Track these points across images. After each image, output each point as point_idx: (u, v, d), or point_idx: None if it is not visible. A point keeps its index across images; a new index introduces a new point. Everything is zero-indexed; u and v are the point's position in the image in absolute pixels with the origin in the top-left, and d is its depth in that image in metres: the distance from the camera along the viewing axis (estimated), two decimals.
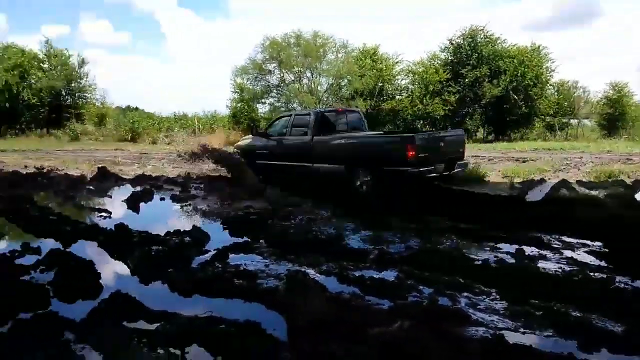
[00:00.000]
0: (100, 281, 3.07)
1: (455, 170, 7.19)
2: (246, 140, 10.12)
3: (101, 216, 5.42)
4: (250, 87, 25.17)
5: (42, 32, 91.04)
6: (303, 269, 3.21)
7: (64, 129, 24.20)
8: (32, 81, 24.77)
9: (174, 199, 6.67)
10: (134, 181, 8.47)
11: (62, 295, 2.83)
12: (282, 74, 24.61)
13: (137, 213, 5.85)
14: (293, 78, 24.71)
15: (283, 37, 24.32)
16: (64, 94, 25.78)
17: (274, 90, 25.21)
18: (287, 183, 7.71)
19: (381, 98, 25.15)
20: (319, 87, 24.58)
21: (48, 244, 4.10)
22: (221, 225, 4.95)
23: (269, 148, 8.73)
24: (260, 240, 4.14)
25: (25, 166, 10.83)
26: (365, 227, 4.70)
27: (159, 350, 2.03)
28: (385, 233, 4.46)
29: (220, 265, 3.34)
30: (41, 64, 25.76)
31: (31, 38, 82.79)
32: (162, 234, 4.24)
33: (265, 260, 3.55)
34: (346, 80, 23.81)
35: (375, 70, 24.42)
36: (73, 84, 25.72)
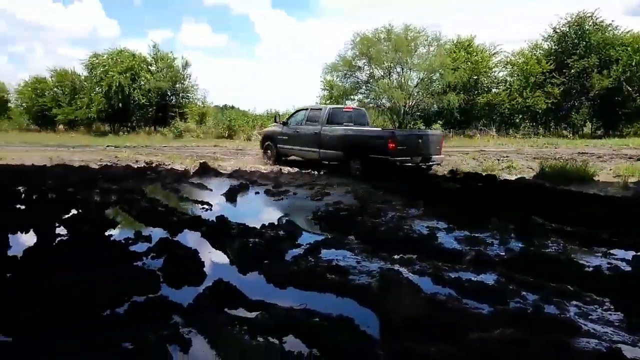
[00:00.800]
0: (204, 269, 3.28)
1: (431, 163, 9.13)
2: (270, 127, 12.50)
3: (203, 208, 5.78)
4: (340, 84, 25.36)
5: (149, 36, 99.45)
6: (396, 267, 3.16)
7: (169, 127, 26.26)
8: (142, 83, 27.15)
9: (268, 193, 6.92)
10: (231, 176, 8.95)
11: (171, 281, 3.06)
12: (371, 70, 24.49)
13: (235, 206, 6.16)
14: (382, 73, 24.48)
15: (373, 32, 24.17)
16: (169, 94, 27.96)
17: (363, 87, 25.17)
18: (299, 164, 10.76)
19: (476, 92, 24.02)
20: (409, 82, 24.08)
21: (157, 233, 4.47)
22: (312, 220, 5.04)
23: (288, 135, 11.05)
24: (351, 237, 4.15)
25: (136, 161, 11.92)
26: (459, 227, 4.52)
27: (259, 338, 2.11)
28: (482, 234, 4.25)
29: (312, 260, 3.40)
30: (149, 67, 28.15)
31: (140, 42, 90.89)
32: (258, 227, 4.41)
33: (357, 257, 3.55)
34: (438, 74, 23.05)
35: (469, 63, 23.39)
36: (177, 85, 27.80)
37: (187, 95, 28.73)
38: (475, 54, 23.93)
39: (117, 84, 25.55)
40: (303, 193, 6.97)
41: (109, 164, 11.01)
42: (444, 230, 4.47)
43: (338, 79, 25.31)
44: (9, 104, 32.39)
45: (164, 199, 6.36)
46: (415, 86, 24.12)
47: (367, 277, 3.04)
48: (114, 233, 4.44)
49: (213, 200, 6.20)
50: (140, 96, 26.56)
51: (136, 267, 3.30)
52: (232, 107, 38.69)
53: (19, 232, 4.59)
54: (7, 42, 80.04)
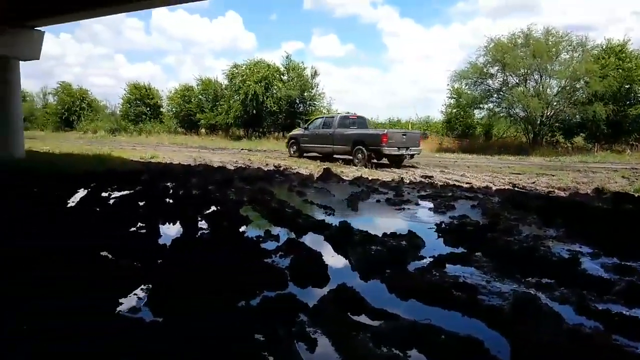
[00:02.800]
0: (327, 272, 3.36)
1: (411, 152, 13.61)
2: (294, 132, 18.15)
3: (326, 212, 5.95)
4: (469, 92, 24.20)
5: (282, 48, 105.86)
6: (532, 291, 2.91)
7: None
8: (274, 91, 28.97)
9: (389, 202, 6.88)
10: (353, 182, 9.09)
11: (297, 280, 3.19)
12: (505, 77, 22.96)
13: (356, 212, 6.23)
14: (517, 81, 22.82)
15: (509, 37, 22.66)
16: (298, 102, 29.39)
17: (495, 95, 23.69)
18: (319, 157, 15.46)
19: (627, 102, 21.18)
20: (547, 90, 22.09)
21: (285, 233, 4.72)
22: (435, 233, 4.87)
23: (308, 136, 15.81)
24: (478, 253, 3.92)
25: (266, 164, 12.74)
26: (607, 253, 4.00)
27: (382, 348, 2.10)
28: (635, 262, 3.71)
29: (437, 274, 3.29)
30: (282, 76, 29.92)
31: (274, 54, 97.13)
32: (380, 235, 4.40)
33: (486, 276, 3.34)
34: (583, 82, 20.76)
35: (621, 70, 20.67)
36: (306, 93, 29.12)
37: (314, 103, 29.92)
38: (628, 60, 21.09)
39: (253, 92, 27.64)
40: (426, 204, 6.79)
41: (243, 165, 11.94)
42: (588, 255, 3.99)
43: (467, 87, 24.21)
44: (162, 109, 36.94)
45: (290, 201, 6.69)
46: (555, 95, 22.04)
47: (499, 299, 2.83)
48: (247, 230, 4.78)
49: (336, 205, 6.34)
50: (272, 103, 28.36)
51: (266, 263, 3.50)
52: None
53: (167, 223, 5.20)
54: (162, 55, 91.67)
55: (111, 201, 6.26)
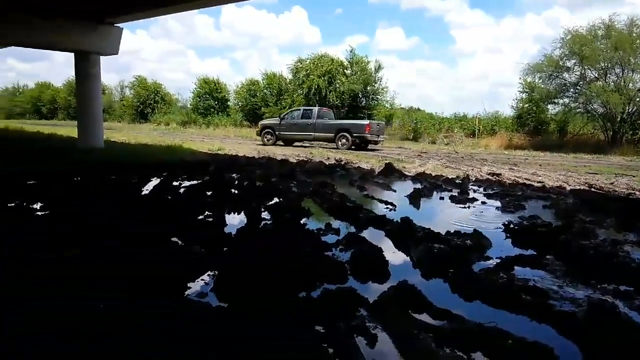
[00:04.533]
0: (388, 268, 3.32)
1: (380, 139, 18.01)
2: (266, 121, 20.38)
3: (387, 208, 5.89)
4: (542, 86, 22.86)
5: (346, 42, 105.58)
6: (608, 299, 2.71)
7: None
8: (337, 85, 29.02)
9: (453, 199, 6.67)
10: (415, 178, 8.91)
11: (357, 274, 3.18)
12: (582, 71, 21.47)
13: (418, 209, 6.11)
14: (596, 75, 21.26)
15: (589, 28, 21.13)
16: (360, 96, 29.25)
17: (571, 90, 22.23)
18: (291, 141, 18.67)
19: None
20: (629, 84, 20.43)
21: (345, 226, 4.72)
22: (503, 233, 4.67)
23: (286, 125, 18.28)
24: (550, 257, 3.70)
25: (327, 158, 12.80)
26: None
27: (445, 349, 2.04)
28: None
29: (505, 276, 3.14)
30: (345, 70, 29.89)
31: (337, 48, 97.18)
32: (443, 233, 4.28)
33: (558, 280, 3.15)
34: None
35: None
36: (369, 87, 28.90)
37: (377, 97, 29.65)
38: None
39: (316, 87, 27.88)
40: (492, 203, 6.52)
41: (305, 159, 12.08)
42: None
43: (540, 81, 22.88)
44: (229, 103, 38.21)
45: (351, 195, 6.68)
46: (639, 90, 20.33)
47: (571, 305, 2.66)
48: (308, 222, 4.83)
49: (397, 201, 6.25)
50: (335, 98, 28.44)
51: (327, 256, 3.52)
52: (418, 109, 38.55)
53: (233, 213, 5.37)
54: (230, 50, 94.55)
55: (181, 190, 6.57)
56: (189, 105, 41.22)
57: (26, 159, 9.18)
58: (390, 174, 9.36)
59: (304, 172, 9.12)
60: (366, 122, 17.79)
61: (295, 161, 11.41)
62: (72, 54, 12.29)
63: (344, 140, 17.10)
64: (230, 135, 27.25)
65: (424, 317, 2.51)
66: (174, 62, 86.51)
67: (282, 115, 19.31)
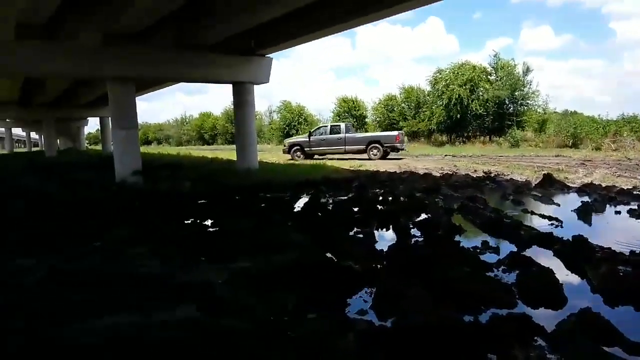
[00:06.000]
0: (563, 292, 2.95)
1: (404, 147, 19.77)
2: (293, 139, 21.69)
3: (551, 224, 5.30)
4: None
5: (487, 47, 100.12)
6: None
7: (504, 136, 25.65)
8: (480, 93, 27.52)
9: (633, 213, 5.75)
10: (581, 190, 7.90)
11: (527, 298, 2.89)
12: None
13: (590, 225, 5.38)
14: None
15: None
16: (507, 102, 27.28)
17: None
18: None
19: None
20: None
21: (504, 245, 4.36)
22: None
23: (315, 142, 19.68)
24: None
25: (474, 170, 12.10)
26: None
27: None
28: None
29: None
30: (489, 77, 28.23)
31: (478, 54, 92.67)
32: (627, 253, 3.69)
33: None
34: None
35: None
36: (517, 93, 26.82)
37: (527, 103, 27.34)
38: None
39: (457, 96, 26.81)
40: None
41: (449, 172, 11.61)
42: None
43: None
44: (366, 119, 38.83)
45: (506, 209, 6.18)
46: None
47: None
48: (462, 239, 4.58)
49: (562, 216, 5.59)
50: (478, 106, 27.00)
51: (489, 277, 3.27)
52: (575, 113, 34.47)
53: (381, 229, 5.37)
54: (364, 67, 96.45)
55: (329, 207, 6.79)
56: (369, 122, 42.86)
57: (197, 181, 10.43)
58: (550, 186, 8.45)
59: (450, 185, 8.75)
60: (396, 133, 19.54)
61: (438, 175, 11.03)
62: (228, 85, 13.74)
63: (375, 151, 18.34)
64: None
65: (617, 351, 2.16)
66: (313, 84, 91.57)
67: (311, 132, 20.67)
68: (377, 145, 18.53)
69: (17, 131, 54.36)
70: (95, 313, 2.68)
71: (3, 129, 41.58)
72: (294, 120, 45.02)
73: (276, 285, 3.17)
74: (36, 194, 8.32)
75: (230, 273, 3.45)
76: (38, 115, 27.21)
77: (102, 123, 29.31)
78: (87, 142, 48.37)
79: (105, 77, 10.98)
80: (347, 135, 19.34)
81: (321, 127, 21.56)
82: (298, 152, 20.12)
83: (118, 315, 2.66)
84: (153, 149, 42.39)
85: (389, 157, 18.68)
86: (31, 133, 54.38)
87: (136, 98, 11.69)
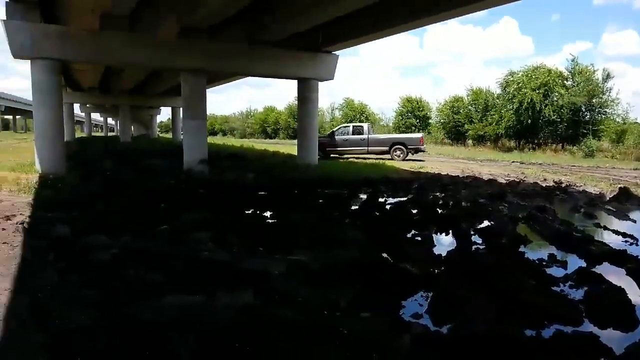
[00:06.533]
0: (635, 313, 2.77)
1: (424, 148, 19.41)
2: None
3: (626, 241, 4.95)
4: None
5: (564, 50, 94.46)
6: None
7: (578, 145, 24.15)
8: (555, 98, 26.00)
9: None
10: None
11: (594, 317, 2.73)
12: None
13: None
14: None
15: None
16: (584, 110, 25.61)
17: None
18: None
19: None
20: None
21: (572, 259, 4.14)
22: None
23: (337, 142, 19.21)
24: None
25: (544, 179, 11.51)
26: None
27: None
28: None
29: None
30: (564, 82, 26.61)
31: (554, 58, 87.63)
32: None
33: None
34: None
35: None
36: (594, 100, 25.11)
37: (605, 111, 25.49)
38: None
39: (529, 101, 25.50)
40: None
41: (516, 179, 11.13)
42: None
43: None
44: (430, 121, 37.97)
45: (577, 222, 5.85)
46: None
47: None
48: (526, 251, 4.40)
49: (638, 234, 5.20)
50: (551, 112, 25.55)
51: (554, 292, 3.12)
52: None
53: (440, 233, 5.27)
54: (432, 67, 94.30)
55: (387, 207, 6.75)
56: (390, 124, 42.37)
57: (258, 173, 10.72)
58: (627, 200, 7.87)
59: (516, 194, 8.39)
60: (420, 135, 20.27)
61: (504, 181, 10.60)
62: (293, 80, 13.97)
63: (398, 152, 18.34)
64: (430, 153, 27.02)
65: None
66: (377, 82, 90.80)
67: (333, 131, 20.50)
68: (401, 147, 18.51)
69: (95, 116, 58.58)
70: (163, 292, 2.86)
71: (83, 114, 44.87)
72: (355, 117, 44.95)
73: (330, 280, 3.22)
74: (112, 179, 8.95)
75: (287, 265, 3.53)
76: (116, 101, 29.08)
77: (174, 112, 30.92)
78: (158, 130, 51.06)
79: (180, 69, 11.54)
80: (370, 136, 19.31)
81: (343, 127, 21.21)
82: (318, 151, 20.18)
83: (183, 295, 2.82)
84: (219, 139, 43.93)
85: (409, 158, 18.38)
86: (108, 118, 58.32)
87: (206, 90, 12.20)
